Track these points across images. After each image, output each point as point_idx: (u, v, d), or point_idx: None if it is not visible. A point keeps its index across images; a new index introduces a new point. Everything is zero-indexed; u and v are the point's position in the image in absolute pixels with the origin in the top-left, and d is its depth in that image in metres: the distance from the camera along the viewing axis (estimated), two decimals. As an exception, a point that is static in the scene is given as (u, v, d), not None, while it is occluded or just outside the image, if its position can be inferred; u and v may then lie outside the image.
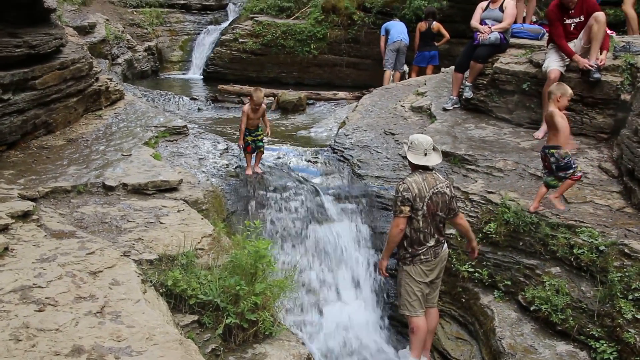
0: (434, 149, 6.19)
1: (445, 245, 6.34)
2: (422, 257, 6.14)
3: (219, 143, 9.15)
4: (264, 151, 8.50)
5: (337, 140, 9.47)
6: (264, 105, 8.38)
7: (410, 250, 6.15)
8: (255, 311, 5.30)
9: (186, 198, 6.86)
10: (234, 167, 8.39)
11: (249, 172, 8.24)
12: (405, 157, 6.38)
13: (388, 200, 7.69)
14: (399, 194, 6.02)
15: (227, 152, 8.90)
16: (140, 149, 7.96)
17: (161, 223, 6.10)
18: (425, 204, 5.99)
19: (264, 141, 8.42)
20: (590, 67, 7.99)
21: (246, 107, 8.32)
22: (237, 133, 10.50)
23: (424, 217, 6.03)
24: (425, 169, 6.14)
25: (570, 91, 6.75)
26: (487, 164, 7.94)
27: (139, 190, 6.82)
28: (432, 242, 6.12)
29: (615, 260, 5.99)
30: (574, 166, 6.60)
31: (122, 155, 7.66)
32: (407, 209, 5.98)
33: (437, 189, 6.06)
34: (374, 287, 7.37)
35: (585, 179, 7.27)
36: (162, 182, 6.95)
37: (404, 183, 6.06)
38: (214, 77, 16.62)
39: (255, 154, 8.35)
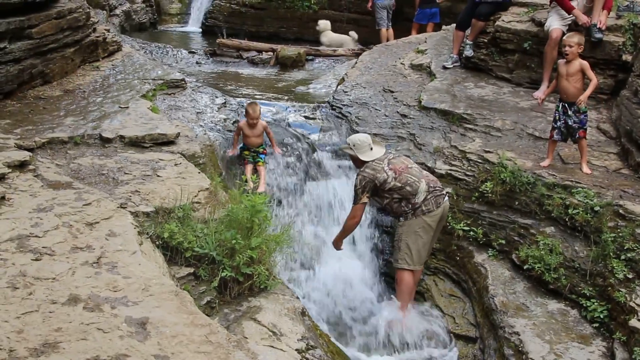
0: (374, 141, 6.62)
1: (447, 198, 6.43)
2: (424, 207, 6.25)
3: (217, 97, 9.10)
4: (264, 167, 7.66)
5: (335, 97, 9.42)
6: (263, 122, 7.77)
7: (409, 205, 6.28)
8: (250, 265, 5.33)
9: (183, 151, 6.84)
10: (232, 121, 8.36)
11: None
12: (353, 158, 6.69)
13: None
14: (358, 186, 6.41)
15: (225, 106, 8.86)
16: (138, 101, 7.91)
17: (158, 176, 6.10)
18: (387, 170, 6.33)
19: (263, 156, 7.71)
20: (588, 25, 7.92)
21: (242, 122, 7.74)
22: (236, 88, 10.49)
23: (396, 175, 6.31)
24: None
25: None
26: (485, 123, 7.92)
27: (136, 143, 6.80)
28: (424, 186, 6.27)
29: (610, 221, 6.03)
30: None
31: (120, 107, 7.62)
32: (367, 195, 6.40)
33: (391, 156, 6.57)
34: (369, 243, 7.41)
35: (583, 140, 7.27)
36: (160, 135, 6.93)
37: (358, 176, 6.45)
38: (213, 30, 16.42)
39: (256, 168, 7.64)
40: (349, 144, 6.56)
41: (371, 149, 6.49)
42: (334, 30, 14.62)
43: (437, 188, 6.40)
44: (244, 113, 7.75)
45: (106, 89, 8.29)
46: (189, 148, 6.96)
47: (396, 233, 6.49)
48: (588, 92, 6.66)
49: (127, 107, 7.63)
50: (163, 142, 6.91)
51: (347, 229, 6.66)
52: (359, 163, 6.53)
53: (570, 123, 6.71)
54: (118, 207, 5.12)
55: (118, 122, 7.14)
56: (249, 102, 8.12)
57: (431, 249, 6.68)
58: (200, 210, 5.75)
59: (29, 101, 7.54)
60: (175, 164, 6.45)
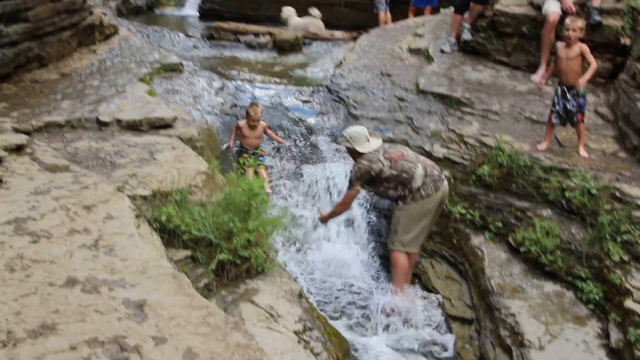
0: (370, 133, 6.61)
1: (446, 182, 6.44)
2: (423, 192, 6.28)
3: (214, 81, 9.09)
4: (265, 168, 7.57)
5: (333, 81, 9.41)
6: (263, 123, 7.67)
7: (406, 191, 6.30)
8: (248, 248, 5.35)
9: (180, 135, 6.83)
10: (229, 105, 8.35)
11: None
12: (351, 150, 6.61)
13: (383, 141, 7.67)
14: (353, 176, 6.45)
15: (222, 90, 8.85)
16: (135, 85, 7.89)
17: (155, 159, 6.10)
18: (383, 160, 6.34)
19: (262, 158, 7.64)
20: (571, 10, 7.92)
21: (242, 122, 7.61)
22: (234, 71, 10.46)
23: (391, 163, 6.32)
24: None
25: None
26: (483, 107, 7.93)
27: (133, 127, 6.79)
28: (420, 171, 6.29)
29: (606, 204, 6.06)
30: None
31: (117, 90, 7.61)
32: (360, 184, 6.44)
33: (387, 146, 6.57)
34: (366, 226, 7.43)
35: (580, 124, 7.27)
36: (157, 118, 6.92)
37: (354, 167, 6.48)
38: (211, 14, 16.33)
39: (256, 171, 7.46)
40: (345, 137, 6.55)
41: (368, 140, 6.49)
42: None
43: (435, 172, 6.40)
44: (245, 114, 7.62)
45: (103, 72, 8.26)
46: (186, 131, 6.96)
47: (394, 216, 6.51)
48: (587, 75, 6.65)
49: (124, 91, 7.61)
50: (160, 125, 6.90)
51: (335, 212, 6.77)
52: (356, 155, 6.53)
53: (569, 107, 6.72)
54: (115, 191, 5.11)
55: (115, 106, 7.13)
56: (250, 102, 7.95)
57: (429, 232, 6.69)
58: (197, 193, 5.75)
59: (26, 84, 7.52)
60: (173, 148, 6.44)
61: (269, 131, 7.77)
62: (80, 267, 3.91)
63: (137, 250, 4.27)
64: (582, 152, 6.80)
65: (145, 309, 3.60)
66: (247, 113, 7.48)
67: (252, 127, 7.49)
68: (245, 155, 7.46)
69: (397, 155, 6.39)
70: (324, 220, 6.87)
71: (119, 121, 6.79)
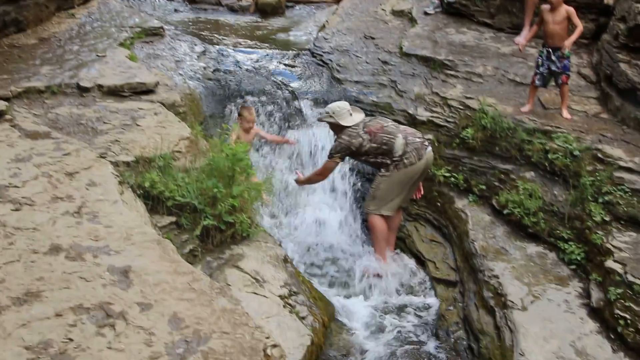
0: (352, 108, 6.58)
1: (430, 148, 6.44)
2: (406, 160, 6.28)
3: (196, 45, 8.98)
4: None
5: (316, 44, 9.33)
6: (256, 127, 7.13)
7: (388, 160, 6.33)
8: (232, 213, 5.35)
9: (163, 100, 6.77)
10: (211, 69, 8.27)
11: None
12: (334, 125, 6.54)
13: (367, 105, 7.66)
14: (333, 150, 6.41)
15: (205, 54, 8.74)
16: (115, 49, 7.79)
17: (138, 125, 6.05)
18: (362, 134, 6.33)
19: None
20: None
21: (237, 132, 6.79)
22: (216, 35, 10.34)
23: (370, 137, 6.32)
24: None
25: None
26: (466, 69, 7.91)
27: (115, 92, 6.71)
28: (400, 140, 6.29)
29: (588, 165, 6.10)
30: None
31: (97, 55, 7.50)
32: (339, 157, 6.44)
33: (367, 120, 6.55)
34: (350, 190, 7.44)
35: (564, 85, 7.28)
36: (138, 83, 6.85)
37: (335, 142, 6.45)
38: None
39: None
40: (328, 112, 6.51)
41: (350, 114, 6.46)
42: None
43: (417, 140, 6.37)
44: (238, 116, 7.08)
45: (82, 37, 8.13)
46: (169, 97, 6.90)
47: (375, 181, 6.52)
48: (573, 37, 6.65)
49: (105, 56, 7.51)
50: (142, 91, 6.84)
51: (311, 180, 6.82)
52: (338, 130, 6.49)
53: (553, 68, 6.72)
54: (98, 157, 5.08)
55: (96, 71, 7.04)
56: (242, 104, 7.37)
57: (411, 195, 6.70)
58: (181, 159, 5.72)
59: (4, 50, 7.39)
60: (155, 113, 6.39)
61: (265, 134, 7.32)
62: (63, 234, 3.90)
63: (121, 217, 4.26)
64: (565, 113, 6.82)
65: (130, 275, 3.61)
66: (241, 115, 6.97)
67: (247, 131, 6.93)
68: None
69: (377, 128, 6.37)
70: (300, 183, 6.89)
71: (100, 87, 6.72)
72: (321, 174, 6.63)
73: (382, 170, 6.41)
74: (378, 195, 6.42)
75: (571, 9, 6.68)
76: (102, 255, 3.76)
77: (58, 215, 4.12)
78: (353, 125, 6.39)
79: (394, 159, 6.29)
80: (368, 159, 6.43)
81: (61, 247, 3.75)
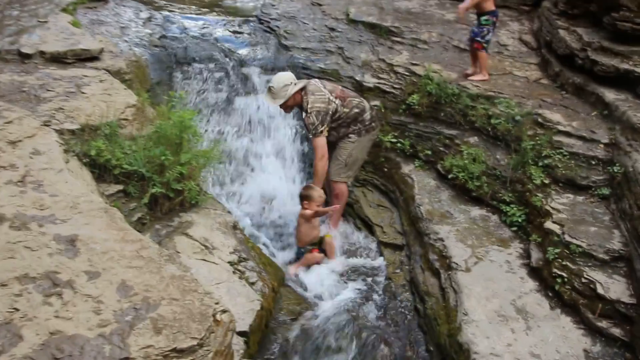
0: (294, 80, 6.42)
1: None
2: (373, 124, 6.59)
3: (141, 11, 8.81)
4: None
5: (263, 11, 9.26)
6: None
7: (358, 125, 6.47)
8: (181, 181, 5.35)
9: (108, 67, 6.65)
10: (157, 36, 8.15)
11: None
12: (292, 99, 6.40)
13: (314, 72, 7.68)
14: (316, 122, 6.23)
15: (150, 20, 8.59)
16: (58, 15, 7.58)
17: (82, 93, 5.95)
18: (333, 99, 6.32)
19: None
20: None
21: (308, 212, 6.27)
22: (161, 1, 10.15)
23: (341, 102, 6.35)
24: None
25: None
26: (412, 36, 7.99)
27: (58, 59, 6.56)
28: (367, 104, 6.49)
29: (529, 129, 6.27)
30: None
31: (38, 21, 7.29)
32: (324, 127, 6.29)
33: (320, 84, 6.48)
34: (298, 157, 7.49)
35: (506, 51, 7.45)
36: (82, 50, 6.70)
37: (311, 113, 6.24)
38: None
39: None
40: (276, 89, 6.25)
41: (295, 83, 6.36)
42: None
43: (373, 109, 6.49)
44: (304, 203, 6.33)
45: (22, 2, 7.89)
46: (114, 64, 6.78)
47: (343, 149, 6.54)
48: (466, 3, 6.79)
49: (47, 22, 7.31)
50: (86, 57, 6.69)
51: (321, 171, 6.37)
52: (297, 100, 6.34)
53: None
54: (42, 125, 4.99)
55: (37, 37, 6.85)
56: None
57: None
58: (127, 127, 5.66)
59: (-60, 16, 7.16)
60: (100, 80, 6.28)
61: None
62: (7, 203, 3.85)
63: (67, 186, 4.22)
64: (473, 76, 7.05)
65: (77, 244, 3.60)
66: (309, 197, 6.28)
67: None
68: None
69: (339, 92, 6.40)
70: (318, 184, 6.40)
71: (42, 53, 6.56)
72: (322, 156, 6.30)
73: (352, 136, 6.44)
74: (350, 162, 6.48)
75: None
76: (47, 224, 3.74)
77: (1, 184, 4.05)
78: (316, 92, 6.31)
79: (366, 123, 6.35)
80: (339, 127, 6.43)
81: (5, 217, 3.71)
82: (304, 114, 6.33)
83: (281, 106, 6.41)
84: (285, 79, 6.32)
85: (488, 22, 6.82)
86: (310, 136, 6.37)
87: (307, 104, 6.26)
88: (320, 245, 6.42)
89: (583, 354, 4.70)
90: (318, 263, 6.38)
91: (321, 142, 6.30)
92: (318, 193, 6.28)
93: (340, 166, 6.57)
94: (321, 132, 6.28)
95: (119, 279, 3.36)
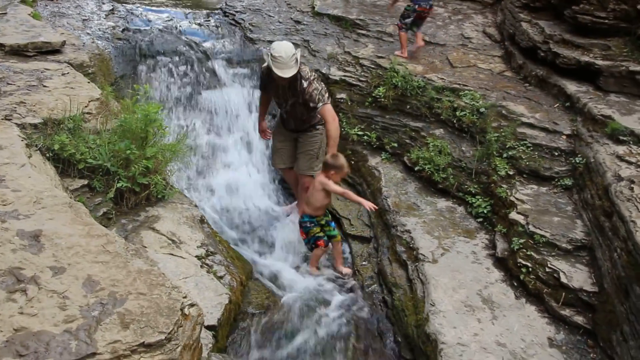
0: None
1: None
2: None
3: (103, 4, 8.71)
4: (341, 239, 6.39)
5: (228, 3, 9.22)
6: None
7: None
8: (146, 175, 5.30)
9: (70, 61, 6.56)
10: (121, 29, 8.05)
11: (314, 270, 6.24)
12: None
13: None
14: (323, 90, 5.99)
15: (113, 13, 8.50)
16: (17, 7, 7.45)
17: (44, 86, 5.85)
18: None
19: (333, 225, 6.33)
20: None
21: (329, 182, 5.89)
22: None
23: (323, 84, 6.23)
24: None
25: None
26: (377, 29, 8.03)
27: (18, 52, 6.44)
28: None
29: (494, 121, 6.34)
30: None
31: (-3, 13, 7.18)
32: (328, 96, 6.11)
33: None
34: (265, 150, 7.47)
35: (470, 44, 7.52)
36: (44, 43, 6.59)
37: (314, 82, 5.95)
38: None
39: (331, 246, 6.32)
40: (275, 54, 5.74)
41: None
42: None
43: None
44: (330, 172, 5.90)
45: (-19, -6, 7.75)
46: (77, 57, 6.68)
47: (313, 142, 6.44)
48: None
49: (5, 13, 7.18)
50: (48, 50, 6.59)
51: (336, 134, 6.06)
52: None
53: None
54: (2, 119, 4.90)
55: (-4, 30, 6.74)
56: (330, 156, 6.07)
57: None
58: (91, 120, 5.58)
59: None
60: (63, 74, 6.19)
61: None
62: (-32, 199, 3.78)
63: (30, 181, 4.15)
64: (396, 52, 7.44)
65: (42, 239, 3.54)
66: (335, 167, 5.85)
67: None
68: (315, 228, 6.16)
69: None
70: (334, 148, 6.10)
71: (1, 46, 6.43)
72: (334, 118, 6.01)
73: (319, 127, 6.35)
74: (320, 154, 6.40)
75: None
76: (10, 219, 3.67)
77: (-38, 180, 3.98)
78: (306, 70, 6.06)
79: None
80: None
81: (-33, 213, 3.64)
82: (304, 83, 5.92)
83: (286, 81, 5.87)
84: (290, 47, 5.79)
85: (409, 8, 7.34)
86: (320, 104, 5.93)
87: (307, 73, 5.98)
88: (324, 232, 6.18)
89: (547, 341, 4.78)
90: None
91: (329, 107, 5.97)
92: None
93: (312, 159, 6.49)
94: (329, 97, 6.00)
95: (85, 274, 3.31)
